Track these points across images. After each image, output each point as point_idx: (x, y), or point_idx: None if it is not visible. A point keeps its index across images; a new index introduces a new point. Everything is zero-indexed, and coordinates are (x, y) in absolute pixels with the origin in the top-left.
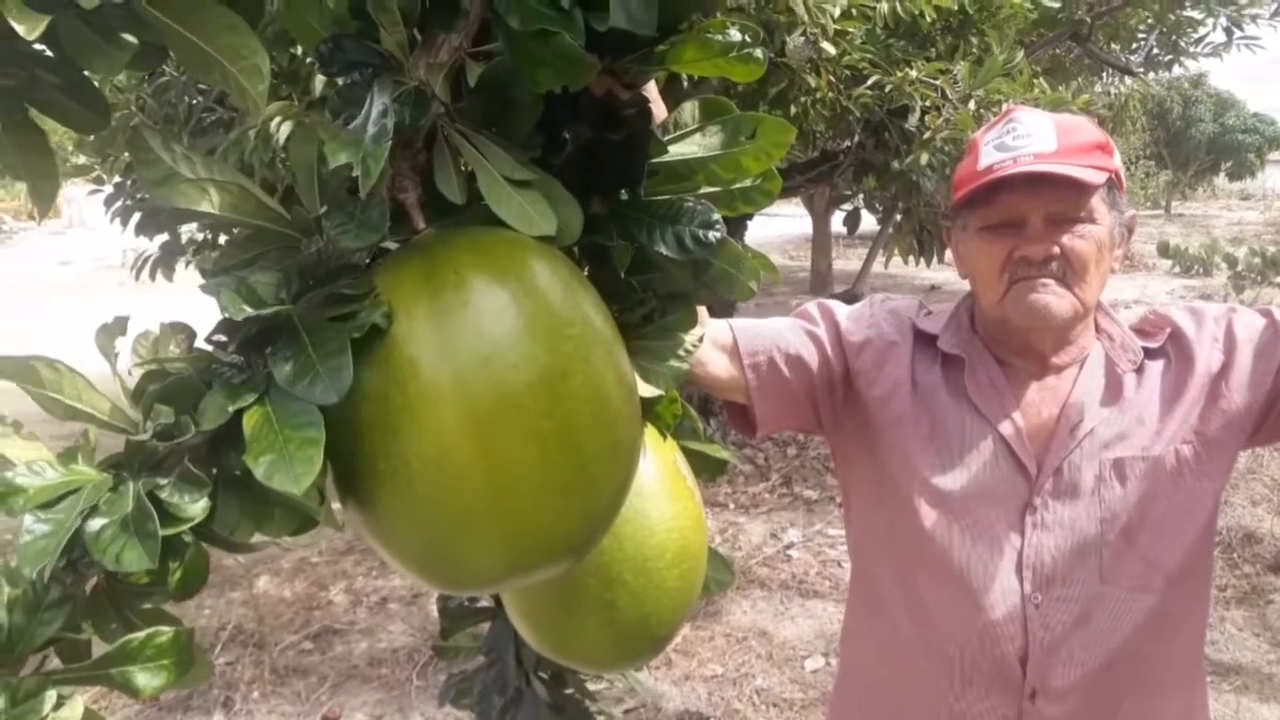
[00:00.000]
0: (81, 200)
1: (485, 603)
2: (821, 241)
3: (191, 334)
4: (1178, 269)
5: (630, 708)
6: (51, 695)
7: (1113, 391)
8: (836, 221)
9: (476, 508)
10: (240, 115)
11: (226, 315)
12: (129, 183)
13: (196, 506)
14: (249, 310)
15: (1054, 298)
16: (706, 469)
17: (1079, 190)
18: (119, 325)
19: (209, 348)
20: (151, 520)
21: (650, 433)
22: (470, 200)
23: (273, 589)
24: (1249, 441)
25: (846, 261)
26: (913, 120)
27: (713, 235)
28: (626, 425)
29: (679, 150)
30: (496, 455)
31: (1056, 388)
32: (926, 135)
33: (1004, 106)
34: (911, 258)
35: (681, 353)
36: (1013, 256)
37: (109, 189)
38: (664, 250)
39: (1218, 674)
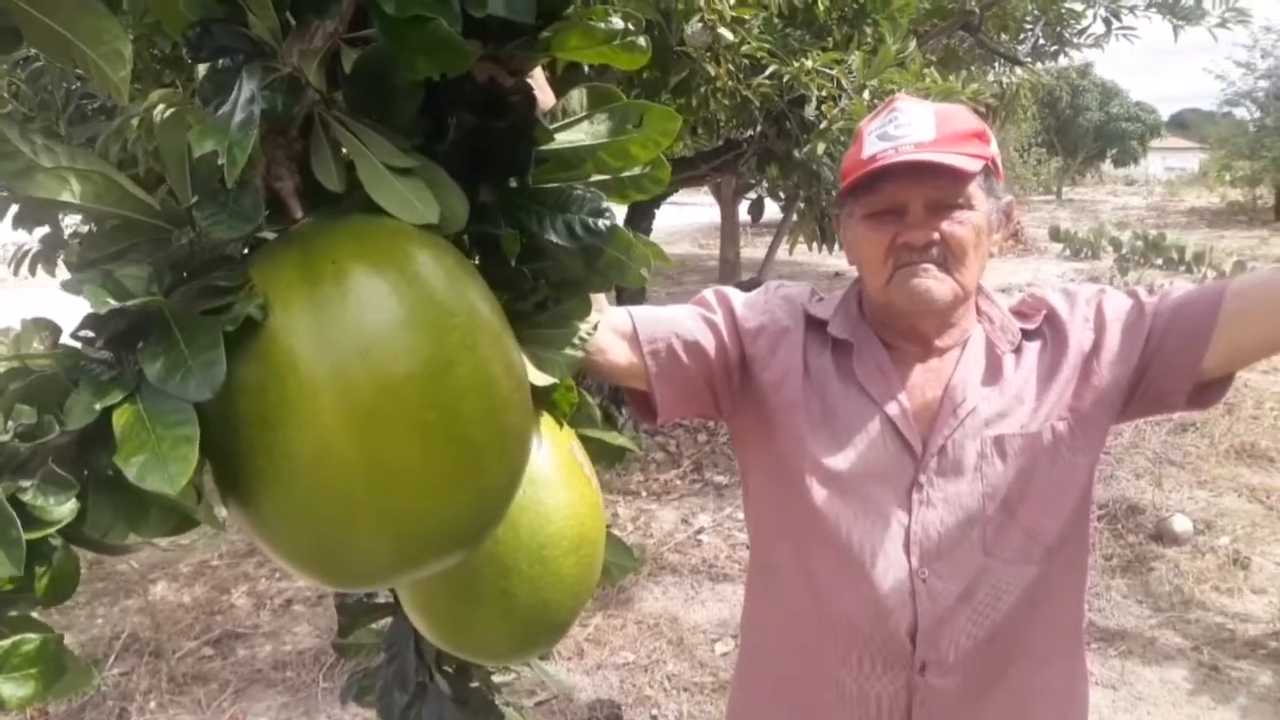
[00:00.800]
0: None
1: (384, 598)
2: (729, 230)
3: (56, 330)
4: (1068, 252)
5: (542, 699)
6: None
7: (993, 372)
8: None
9: (360, 502)
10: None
11: (96, 308)
12: None
13: (63, 509)
14: (113, 303)
15: (935, 282)
16: (605, 456)
17: (956, 178)
18: (8, 335)
19: (76, 344)
20: (13, 526)
21: (546, 421)
22: (350, 189)
23: (171, 594)
24: (1119, 416)
25: (754, 250)
26: (810, 110)
27: (602, 223)
28: (516, 413)
29: (567, 138)
30: (378, 448)
31: (940, 369)
32: (823, 125)
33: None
34: (815, 245)
35: (576, 340)
36: (895, 243)
37: None
38: (554, 238)
39: (1104, 639)
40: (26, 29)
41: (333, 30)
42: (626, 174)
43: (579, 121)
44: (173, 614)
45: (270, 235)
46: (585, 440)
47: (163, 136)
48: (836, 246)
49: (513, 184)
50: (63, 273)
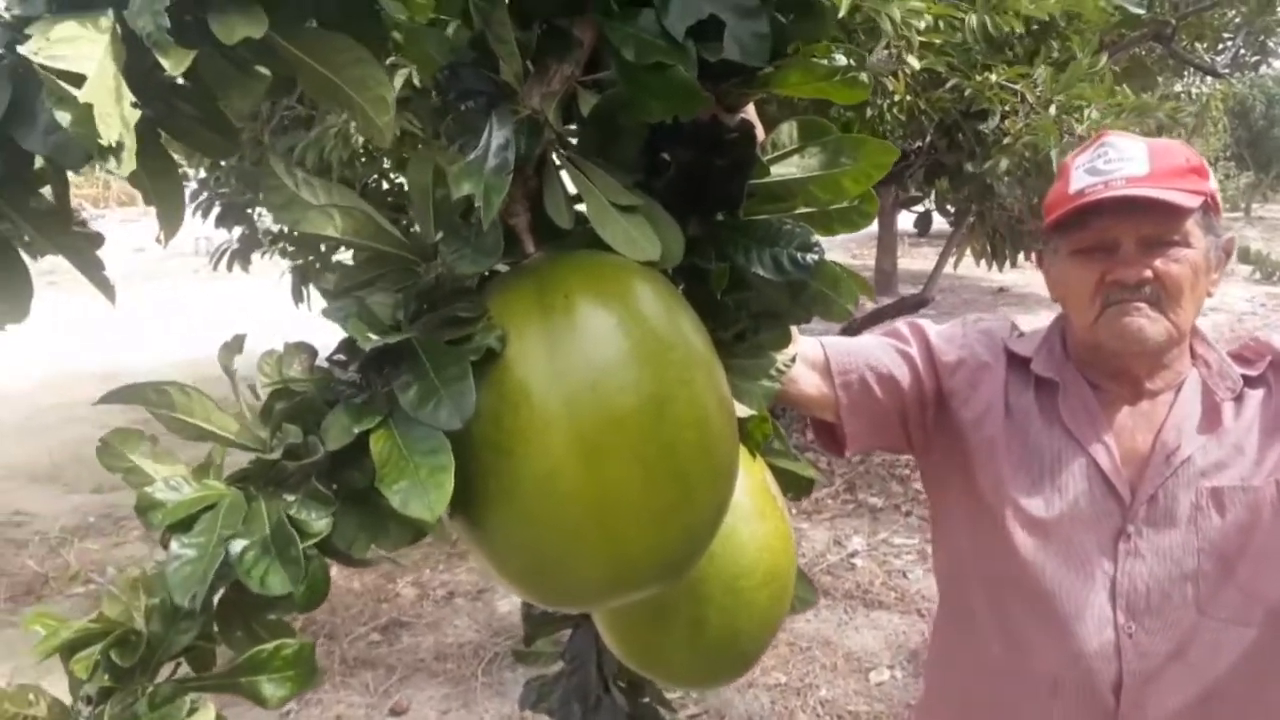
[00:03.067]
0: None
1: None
2: (887, 241)
3: (313, 353)
4: (1258, 275)
5: (694, 714)
6: (186, 701)
7: (1210, 419)
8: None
9: (582, 528)
10: (320, 114)
11: (350, 338)
12: (213, 179)
13: (322, 523)
14: (375, 339)
15: (1147, 321)
16: (792, 487)
17: (1172, 214)
18: (237, 343)
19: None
20: (294, 544)
21: (741, 452)
22: (575, 224)
23: (341, 580)
24: None
25: (910, 261)
26: (991, 124)
27: (810, 258)
28: (726, 447)
29: (778, 171)
30: (603, 478)
31: (1151, 413)
32: (1006, 140)
33: (1085, 112)
34: (985, 261)
35: (774, 372)
36: (1105, 280)
37: (193, 184)
38: (761, 272)
39: None
40: (304, 77)
41: (570, 73)
42: (834, 207)
43: (790, 154)
44: (344, 599)
45: (500, 268)
46: (774, 471)
47: (410, 173)
48: (1007, 264)
49: (720, 217)
50: (256, 268)
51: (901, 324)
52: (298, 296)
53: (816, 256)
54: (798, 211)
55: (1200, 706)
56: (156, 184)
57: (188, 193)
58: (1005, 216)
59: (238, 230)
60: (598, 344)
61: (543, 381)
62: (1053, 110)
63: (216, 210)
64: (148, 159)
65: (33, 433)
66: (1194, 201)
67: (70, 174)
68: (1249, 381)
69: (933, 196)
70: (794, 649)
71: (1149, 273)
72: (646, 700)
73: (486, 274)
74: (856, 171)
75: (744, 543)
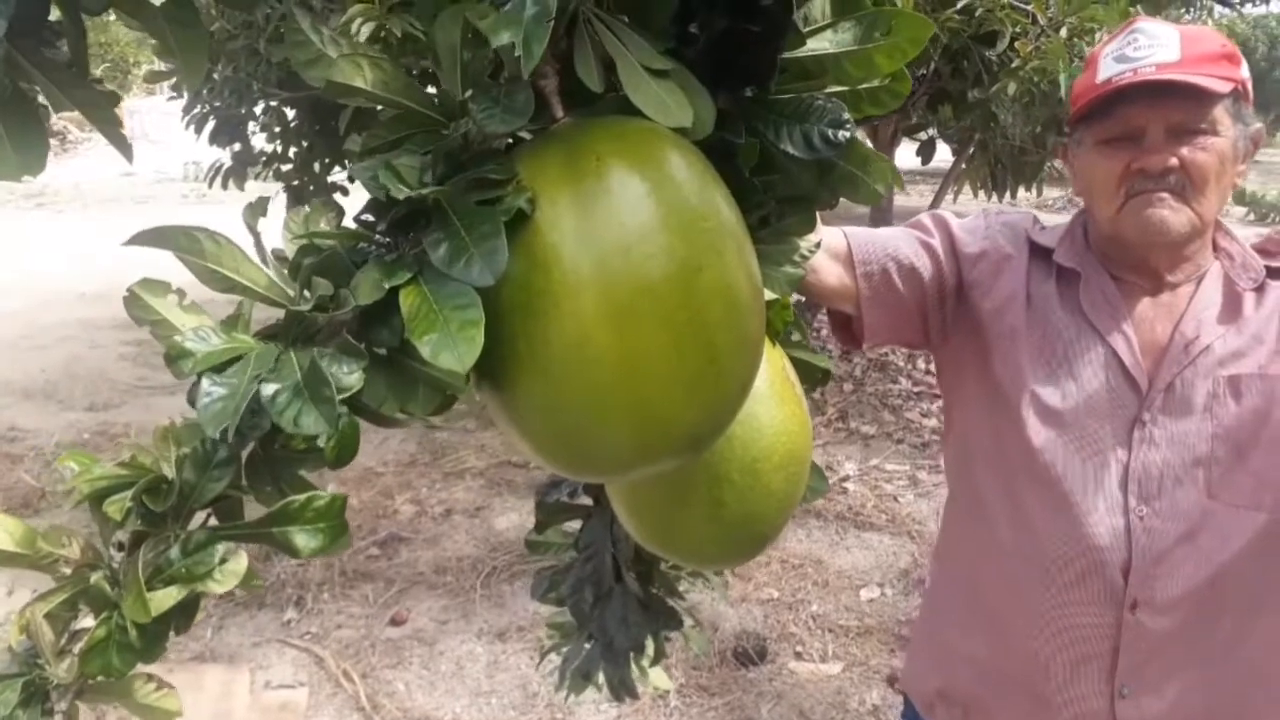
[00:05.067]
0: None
1: (582, 500)
2: None
3: (341, 212)
4: (1253, 216)
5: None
6: (219, 549)
7: (1230, 309)
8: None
9: (610, 393)
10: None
11: (379, 195)
12: (205, 90)
13: (353, 377)
14: (406, 190)
15: (1170, 212)
16: (808, 377)
17: (1201, 100)
18: (261, 205)
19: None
20: (327, 386)
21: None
22: (605, 90)
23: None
24: None
25: (905, 199)
26: (1001, 47)
27: (843, 134)
28: (754, 322)
29: (810, 46)
30: (632, 343)
31: (1171, 304)
32: (1015, 64)
33: (1097, 35)
34: (985, 192)
35: (797, 258)
36: (1130, 169)
37: (185, 98)
38: (790, 149)
39: None
40: None
41: None
42: (865, 86)
43: (823, 29)
44: None
45: (526, 134)
46: (791, 361)
47: (438, 31)
48: (1009, 194)
49: (749, 93)
50: (255, 188)
51: (925, 216)
52: (261, 208)
53: (849, 134)
54: (828, 90)
55: (1208, 588)
56: (179, 34)
57: (179, 108)
58: (1007, 146)
59: (231, 148)
60: (630, 208)
61: (574, 245)
62: (1064, 33)
63: (210, 126)
64: (173, 6)
65: (26, 351)
66: (1224, 87)
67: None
68: (1271, 273)
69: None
70: (786, 566)
71: (1175, 161)
72: (656, 589)
73: (513, 140)
74: (890, 47)
75: (763, 426)
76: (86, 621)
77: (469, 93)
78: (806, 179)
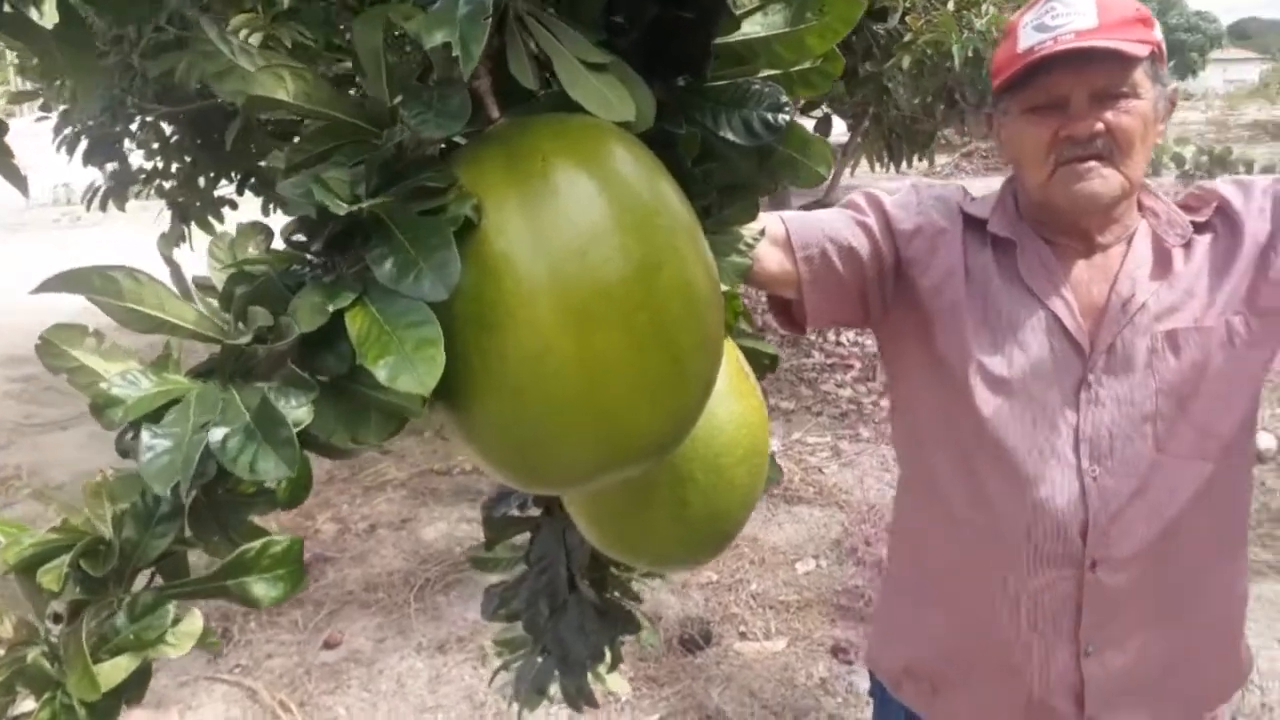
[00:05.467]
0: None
1: (532, 512)
2: None
3: (270, 234)
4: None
5: None
6: (170, 609)
7: (1161, 266)
8: None
9: (572, 404)
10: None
11: (313, 212)
12: (75, 110)
13: (303, 410)
14: (344, 205)
15: (1100, 181)
16: (755, 364)
17: (1122, 64)
18: (176, 233)
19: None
20: (283, 425)
21: None
22: (544, 85)
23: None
24: None
25: None
26: (892, 22)
27: (782, 118)
28: (714, 317)
29: (740, 30)
30: (593, 350)
31: (1105, 265)
32: (907, 38)
33: (983, 6)
34: (881, 164)
35: (742, 247)
36: (1058, 137)
37: (54, 118)
38: (730, 136)
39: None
40: None
41: None
42: (796, 68)
43: (753, 13)
44: None
45: (460, 139)
46: (743, 350)
47: (358, 35)
48: (904, 164)
49: (683, 81)
50: (133, 208)
51: (858, 195)
52: (175, 237)
53: (788, 117)
54: (761, 74)
55: (1162, 542)
56: (72, 56)
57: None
58: (900, 117)
59: (108, 167)
60: (582, 209)
61: (526, 251)
62: (950, 4)
63: (83, 146)
64: (64, 27)
65: None
66: (1143, 50)
67: None
68: (1197, 228)
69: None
70: None
71: (1100, 125)
72: (612, 594)
73: (446, 145)
74: (822, 28)
75: (723, 421)
76: (26, 705)
77: (399, 98)
78: (746, 166)
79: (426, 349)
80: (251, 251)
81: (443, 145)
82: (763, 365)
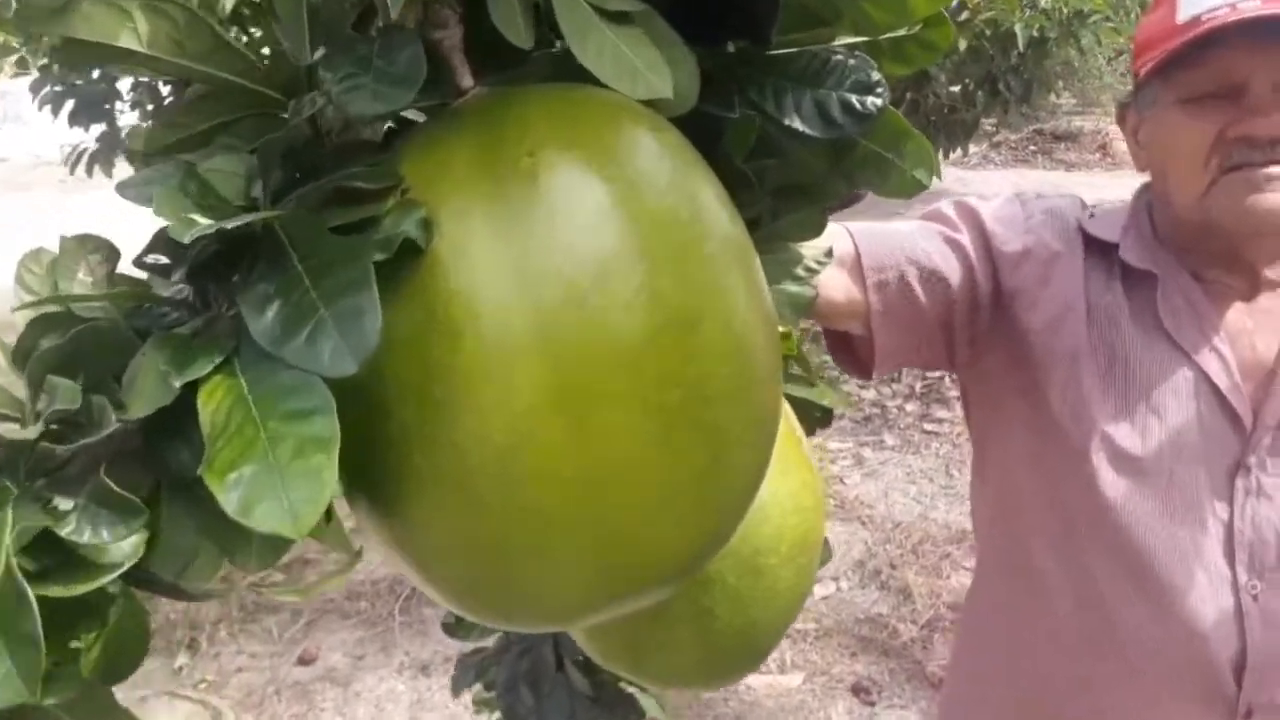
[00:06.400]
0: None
1: None
2: None
3: (113, 254)
4: None
5: None
6: None
7: None
8: None
9: (558, 520)
10: None
11: (175, 224)
12: (57, 66)
13: (126, 545)
14: (204, 224)
15: None
16: (809, 420)
17: None
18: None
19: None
20: (27, 615)
21: None
22: (537, 46)
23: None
24: None
25: None
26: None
27: (873, 102)
28: (770, 388)
29: None
30: (595, 443)
31: (1273, 311)
32: (964, 16)
33: None
34: None
35: (802, 271)
36: (1226, 136)
37: (34, 74)
38: (799, 125)
39: None
40: None
41: None
42: (888, 36)
43: None
44: None
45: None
46: (791, 402)
47: None
48: (941, 155)
49: (737, 48)
50: (123, 172)
51: (946, 205)
52: None
53: (880, 101)
54: (840, 42)
55: None
56: None
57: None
58: (939, 105)
59: (96, 128)
60: (587, 231)
61: (499, 293)
62: None
63: (69, 106)
64: None
65: None
66: None
67: None
68: None
69: None
70: None
71: None
72: (605, 675)
73: (394, 126)
74: None
75: (765, 506)
76: None
77: (320, 53)
78: (815, 164)
79: (310, 457)
80: (82, 279)
81: (390, 126)
82: (814, 419)
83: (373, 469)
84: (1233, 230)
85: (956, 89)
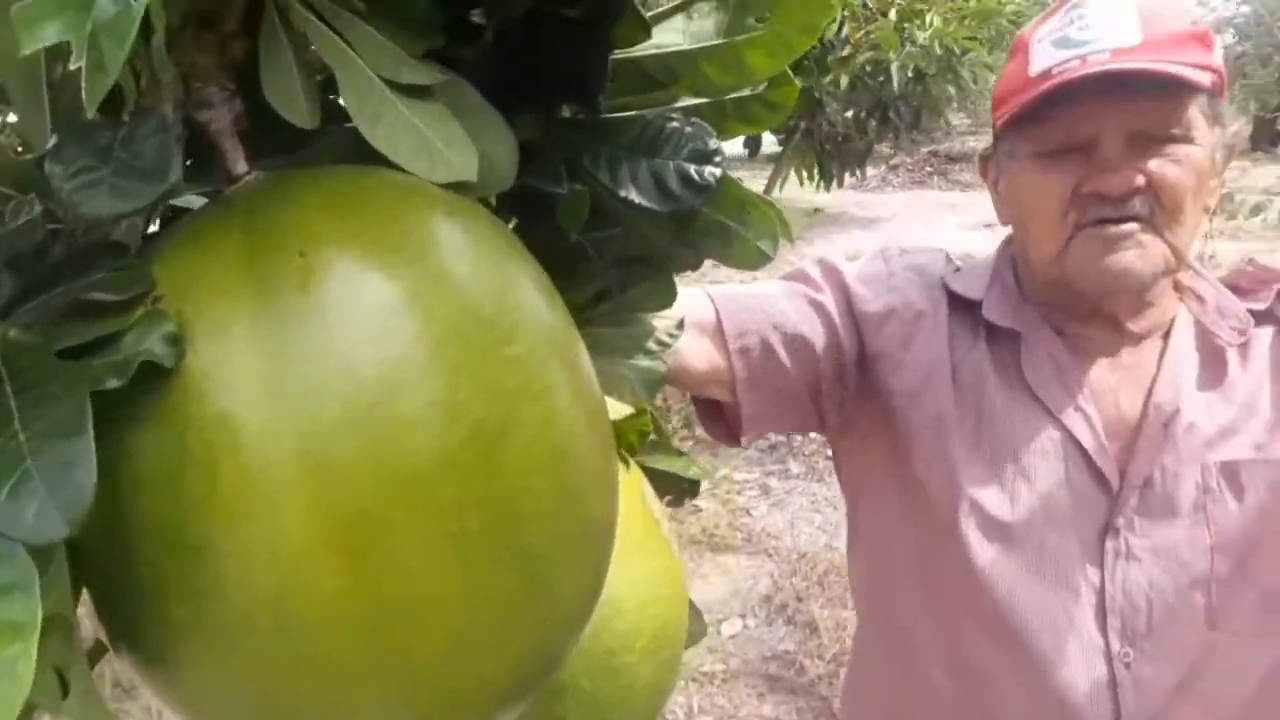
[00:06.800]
0: None
1: None
2: None
3: None
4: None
5: None
6: None
7: (1212, 371)
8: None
9: (349, 671)
10: None
11: None
12: None
13: None
14: None
15: (1136, 255)
16: (673, 491)
17: (1175, 97)
18: None
19: None
20: None
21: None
22: (326, 124)
23: None
24: None
25: None
26: (830, 32)
27: (711, 172)
28: (603, 488)
29: (652, 40)
30: (384, 581)
31: (1137, 367)
32: (846, 53)
33: (927, 17)
34: (811, 181)
35: (654, 345)
36: (1080, 192)
37: None
38: (635, 196)
39: None
40: None
41: None
42: (733, 96)
43: (670, 15)
44: None
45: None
46: (652, 476)
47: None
48: (835, 184)
49: (568, 113)
50: None
51: (811, 265)
52: None
53: (719, 171)
54: (679, 104)
55: None
56: None
57: None
58: (832, 132)
59: None
60: (366, 340)
61: (260, 416)
62: (893, 15)
63: None
64: None
65: None
66: (1203, 79)
67: None
68: (1255, 319)
69: None
70: None
71: (1140, 179)
72: None
73: (169, 216)
74: (771, 40)
75: (619, 600)
76: None
77: (54, 139)
78: (658, 235)
79: (5, 647)
80: None
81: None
82: (681, 489)
83: (131, 622)
84: (1088, 288)
85: (850, 114)
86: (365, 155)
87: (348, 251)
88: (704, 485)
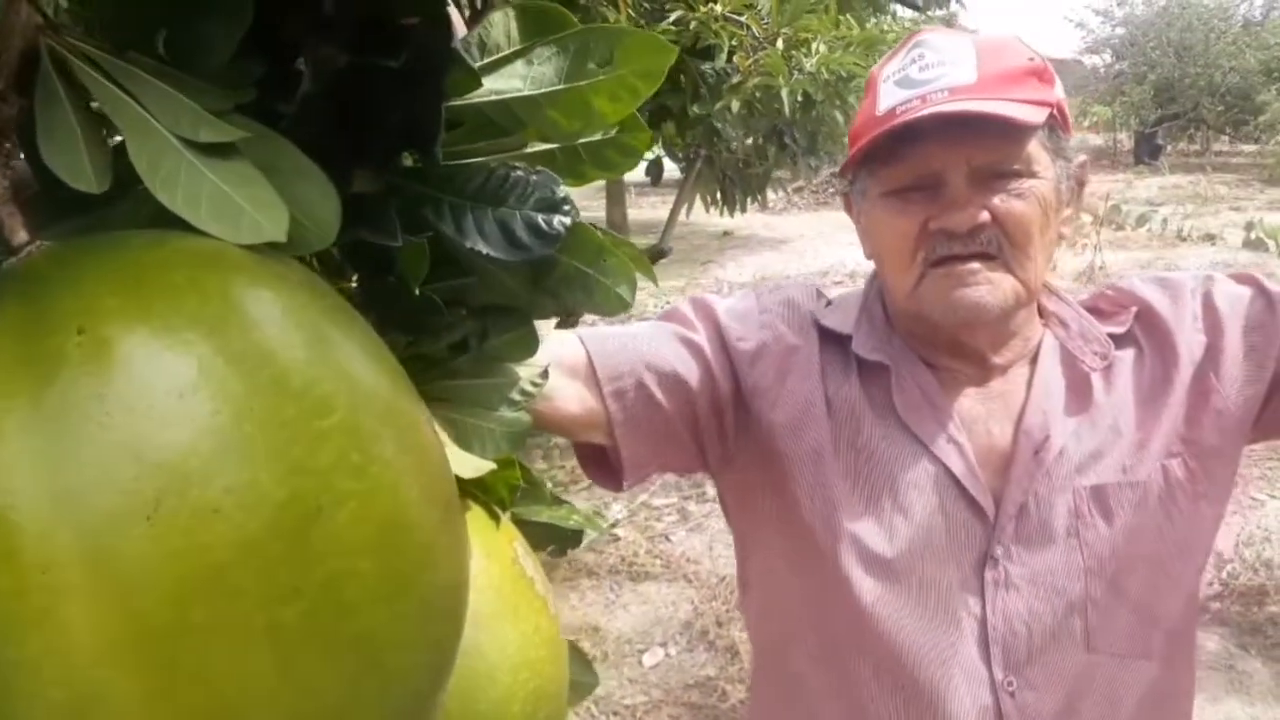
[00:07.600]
0: None
1: None
2: (615, 191)
3: None
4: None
5: None
6: None
7: (1078, 395)
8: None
9: None
10: None
11: None
12: None
13: None
14: None
15: (986, 290)
16: (556, 540)
17: (1011, 134)
18: None
19: None
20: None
21: (477, 519)
22: (120, 187)
23: None
24: (1247, 440)
25: (639, 211)
26: (719, 61)
27: (560, 221)
28: (445, 558)
29: (492, 86)
30: (190, 690)
31: (1006, 395)
32: (737, 79)
33: (814, 45)
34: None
35: (518, 394)
36: (928, 229)
37: None
38: (482, 246)
39: None
40: None
41: None
42: (585, 142)
43: (510, 60)
44: None
45: None
46: (528, 528)
47: None
48: (738, 210)
49: (409, 162)
50: None
51: (684, 303)
52: None
53: (568, 220)
54: (529, 150)
55: None
56: None
57: None
58: (733, 159)
59: None
60: (151, 426)
61: (36, 517)
62: (780, 44)
63: None
64: None
65: None
66: (1039, 115)
67: None
68: (1116, 342)
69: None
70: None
71: (985, 215)
72: None
73: None
74: (614, 84)
75: (492, 667)
76: None
77: None
78: (516, 284)
79: None
80: None
81: None
82: (563, 539)
83: None
84: (942, 323)
85: (750, 141)
86: (174, 218)
87: (132, 327)
88: (621, 513)
